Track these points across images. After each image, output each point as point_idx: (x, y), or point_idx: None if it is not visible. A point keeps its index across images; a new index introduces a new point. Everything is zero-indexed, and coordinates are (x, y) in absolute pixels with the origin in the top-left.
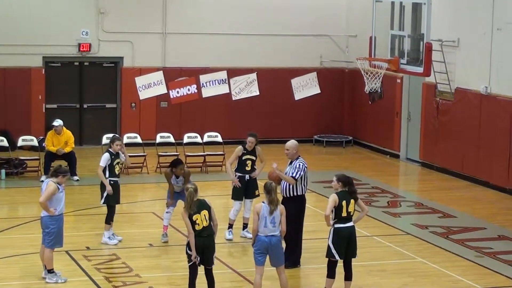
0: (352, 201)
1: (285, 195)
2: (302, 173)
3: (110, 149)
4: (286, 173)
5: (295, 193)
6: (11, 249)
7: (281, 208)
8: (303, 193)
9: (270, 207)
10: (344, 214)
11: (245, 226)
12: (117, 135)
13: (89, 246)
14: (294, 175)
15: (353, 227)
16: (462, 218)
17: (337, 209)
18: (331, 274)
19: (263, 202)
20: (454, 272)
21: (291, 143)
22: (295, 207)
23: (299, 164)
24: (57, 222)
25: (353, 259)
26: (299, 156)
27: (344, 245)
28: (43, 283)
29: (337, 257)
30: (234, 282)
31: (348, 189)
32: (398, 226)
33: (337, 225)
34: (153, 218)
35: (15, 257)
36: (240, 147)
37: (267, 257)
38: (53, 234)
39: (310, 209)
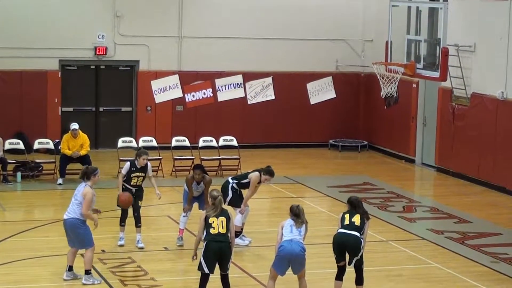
0: (357, 215)
1: None
2: None
3: (135, 161)
4: None
5: None
6: (27, 252)
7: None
8: None
9: (296, 223)
10: (346, 222)
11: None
12: (144, 150)
13: (104, 249)
14: None
15: (351, 235)
16: (478, 223)
17: (340, 220)
18: (337, 276)
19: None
20: (470, 277)
21: None
22: None
23: None
24: (85, 223)
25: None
26: None
27: (337, 249)
28: (59, 285)
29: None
30: (249, 286)
31: (355, 210)
32: (413, 231)
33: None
34: (168, 221)
35: (31, 260)
36: (257, 174)
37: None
38: (83, 235)
39: (325, 214)
